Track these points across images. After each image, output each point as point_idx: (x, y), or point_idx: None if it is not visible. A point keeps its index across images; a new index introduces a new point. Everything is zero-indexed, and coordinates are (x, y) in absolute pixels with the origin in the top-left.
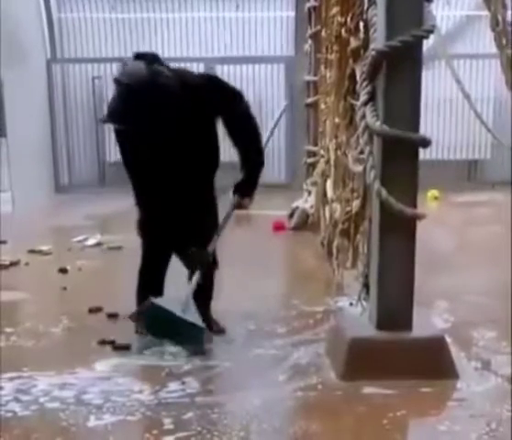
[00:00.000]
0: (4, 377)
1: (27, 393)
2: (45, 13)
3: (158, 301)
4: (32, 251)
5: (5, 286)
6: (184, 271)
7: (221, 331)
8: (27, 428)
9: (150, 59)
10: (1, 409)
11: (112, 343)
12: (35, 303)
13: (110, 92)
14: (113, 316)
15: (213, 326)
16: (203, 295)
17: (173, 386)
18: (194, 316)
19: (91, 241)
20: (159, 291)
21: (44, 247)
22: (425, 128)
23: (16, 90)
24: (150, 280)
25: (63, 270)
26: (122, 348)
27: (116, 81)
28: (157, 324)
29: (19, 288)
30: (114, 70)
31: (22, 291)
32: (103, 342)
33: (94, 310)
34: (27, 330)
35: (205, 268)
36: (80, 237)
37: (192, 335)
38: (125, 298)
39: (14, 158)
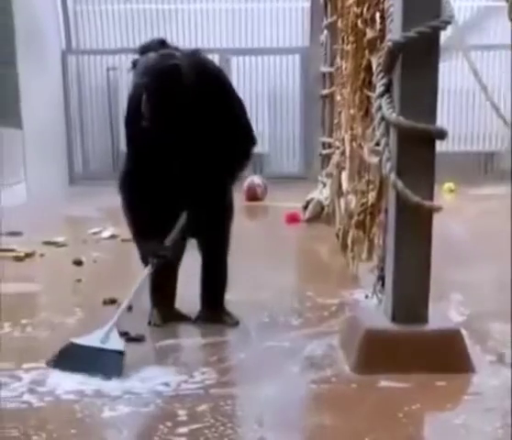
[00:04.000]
0: (19, 368)
1: (42, 384)
2: (61, 4)
3: (76, 339)
4: (47, 243)
5: (20, 277)
6: (198, 265)
7: (235, 323)
8: (42, 419)
9: (157, 46)
10: (16, 400)
11: (126, 334)
12: (50, 295)
13: (124, 84)
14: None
15: (226, 319)
16: (216, 286)
17: (187, 378)
18: (113, 342)
19: (106, 233)
20: (172, 290)
21: (59, 239)
22: (441, 120)
23: (32, 81)
24: (164, 279)
25: (78, 262)
26: (136, 340)
27: (141, 86)
28: (75, 360)
29: (34, 279)
30: (129, 61)
31: (37, 283)
32: None
33: (109, 302)
34: (42, 321)
35: (160, 261)
36: (95, 229)
37: (110, 361)
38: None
39: (29, 149)
